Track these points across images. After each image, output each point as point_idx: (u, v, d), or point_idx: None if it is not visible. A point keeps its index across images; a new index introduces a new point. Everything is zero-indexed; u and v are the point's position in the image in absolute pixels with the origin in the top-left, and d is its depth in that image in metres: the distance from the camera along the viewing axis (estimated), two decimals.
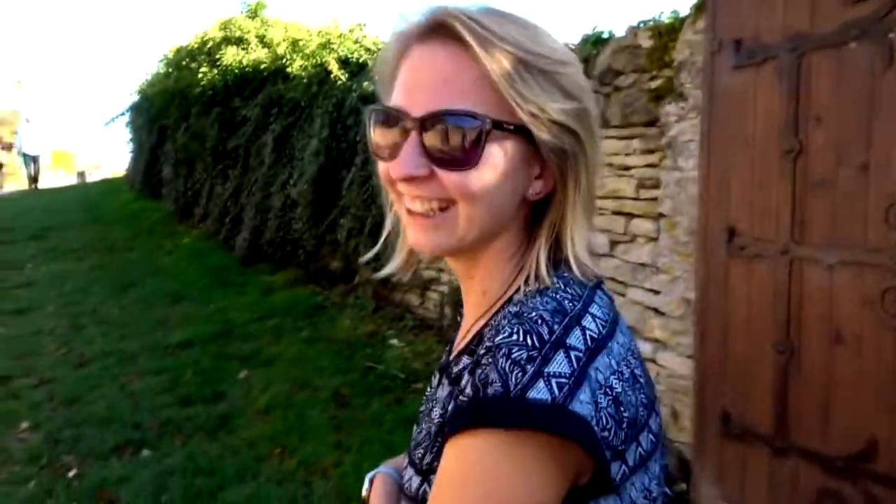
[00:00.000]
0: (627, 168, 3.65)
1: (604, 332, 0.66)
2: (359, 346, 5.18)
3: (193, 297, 6.66)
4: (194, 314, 6.07)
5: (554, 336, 0.62)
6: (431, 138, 0.66)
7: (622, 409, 0.63)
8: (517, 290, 0.71)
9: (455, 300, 5.43)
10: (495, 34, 0.65)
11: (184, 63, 8.54)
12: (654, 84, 3.45)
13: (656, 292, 3.51)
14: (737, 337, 2.77)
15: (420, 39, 0.69)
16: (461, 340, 0.79)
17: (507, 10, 0.70)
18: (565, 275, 0.71)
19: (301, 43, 6.70)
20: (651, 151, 3.52)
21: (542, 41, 0.68)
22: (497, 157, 0.67)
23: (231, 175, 8.21)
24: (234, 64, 7.63)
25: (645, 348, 3.59)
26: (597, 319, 0.67)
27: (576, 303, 0.67)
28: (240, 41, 7.85)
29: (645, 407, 0.68)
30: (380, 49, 6.32)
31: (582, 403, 0.59)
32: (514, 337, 0.62)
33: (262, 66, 7.25)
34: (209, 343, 5.26)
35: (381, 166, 0.73)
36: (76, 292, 6.93)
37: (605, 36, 3.85)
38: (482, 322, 0.74)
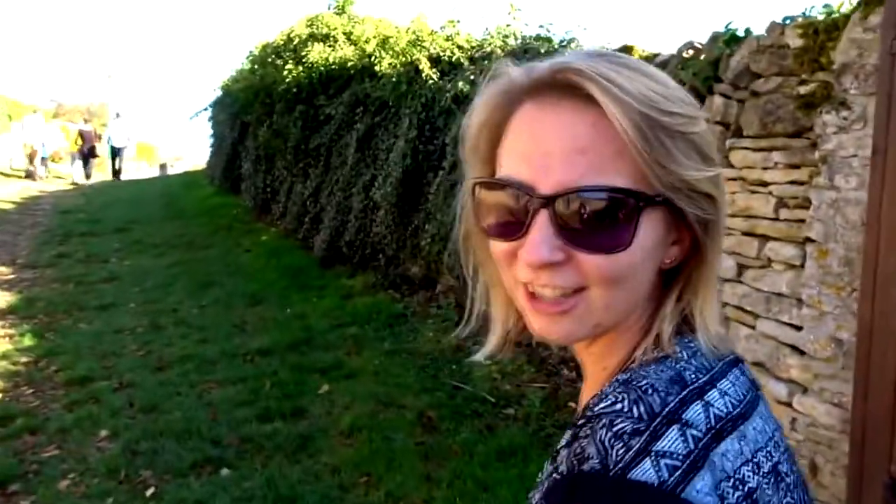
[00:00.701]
0: (765, 184, 3.21)
1: (734, 411, 0.56)
2: (443, 361, 4.88)
3: (272, 299, 6.51)
4: (273, 318, 5.91)
5: (667, 408, 0.53)
6: (569, 218, 0.57)
7: None
8: (633, 360, 0.61)
9: None
10: (628, 92, 0.55)
11: (269, 60, 8.46)
12: (803, 89, 3.00)
13: (796, 327, 3.06)
14: None
15: (534, 97, 0.60)
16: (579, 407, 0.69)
17: (625, 56, 0.60)
18: (691, 344, 0.61)
19: (391, 40, 6.45)
20: (796, 166, 3.07)
21: (673, 95, 0.59)
22: (645, 236, 0.58)
23: (312, 174, 8.07)
24: (319, 61, 7.46)
25: (777, 390, 3.16)
26: (727, 396, 0.58)
27: (700, 374, 0.58)
28: (326, 38, 7.68)
29: None
30: (473, 47, 6.04)
31: (700, 493, 0.50)
32: (619, 406, 0.54)
33: (350, 64, 7.04)
34: (288, 352, 5.06)
35: (498, 245, 0.62)
36: (157, 289, 6.89)
37: (741, 34, 3.41)
38: (592, 390, 0.64)
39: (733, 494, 0.52)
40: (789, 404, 3.12)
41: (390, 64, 6.11)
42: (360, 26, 7.35)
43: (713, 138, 0.63)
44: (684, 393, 0.55)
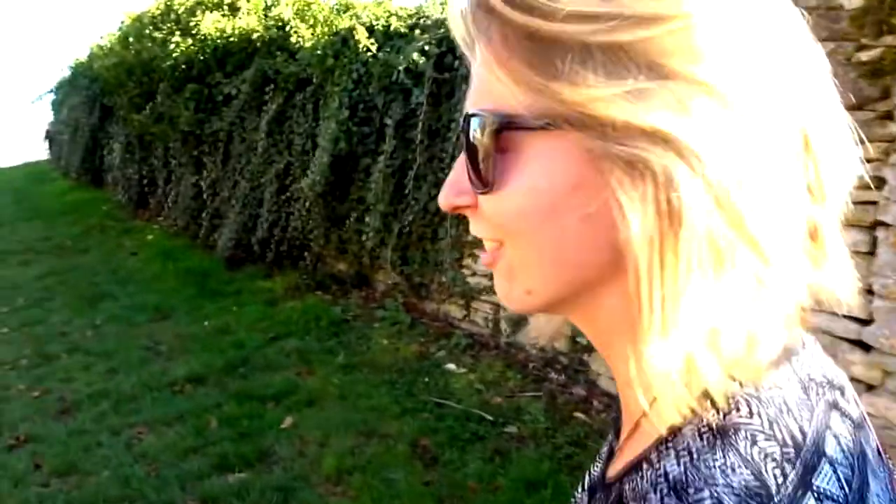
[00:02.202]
0: None
1: (849, 490, 0.39)
2: (411, 373, 4.28)
3: (180, 311, 5.58)
4: (190, 335, 5.01)
5: None
6: (471, 155, 0.46)
7: None
8: (687, 423, 0.42)
9: (515, 314, 4.60)
10: (521, 3, 0.42)
11: (146, 32, 7.29)
12: (865, 56, 2.70)
13: (861, 321, 2.78)
14: None
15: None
16: (619, 457, 0.51)
17: None
18: (778, 388, 0.43)
19: (314, 7, 5.63)
20: (859, 142, 2.76)
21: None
22: (535, 174, 0.44)
23: (208, 162, 7.08)
24: (213, 33, 6.48)
25: None
26: (837, 470, 0.40)
27: (788, 471, 0.39)
28: (219, 6, 6.69)
29: None
30: (410, 15, 5.39)
31: None
32: None
33: (256, 36, 6.13)
34: (225, 377, 4.25)
35: None
36: (32, 307, 5.72)
37: None
38: (638, 446, 0.46)
39: None
40: None
41: (313, 34, 5.32)
42: None
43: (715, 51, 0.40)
44: None
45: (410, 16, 5.08)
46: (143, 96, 7.64)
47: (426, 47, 4.37)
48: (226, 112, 6.60)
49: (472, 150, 0.45)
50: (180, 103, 6.87)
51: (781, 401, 0.42)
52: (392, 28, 4.99)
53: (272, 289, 6.05)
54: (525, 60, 0.43)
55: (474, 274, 4.95)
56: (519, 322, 4.61)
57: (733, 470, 0.39)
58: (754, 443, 0.40)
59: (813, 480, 0.39)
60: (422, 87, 4.56)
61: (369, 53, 4.85)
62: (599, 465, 0.58)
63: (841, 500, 0.39)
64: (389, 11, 5.17)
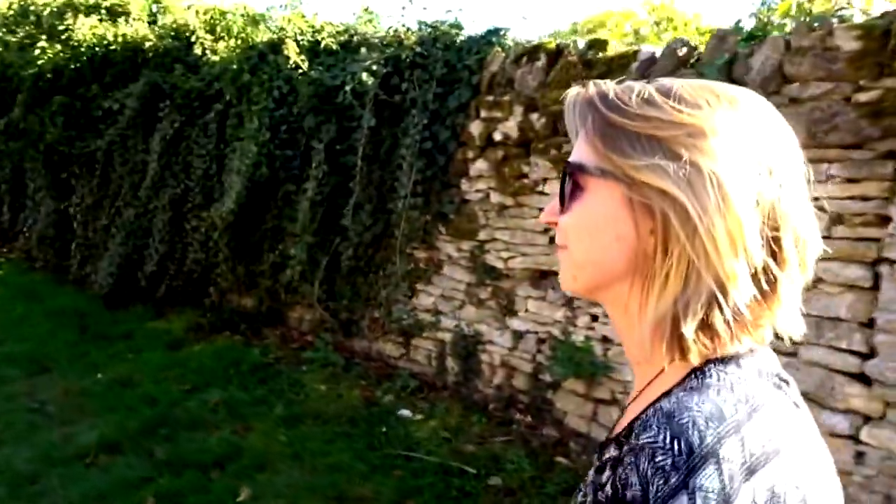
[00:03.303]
0: (815, 199, 2.93)
1: (769, 446, 0.61)
2: (364, 423, 3.89)
3: (62, 360, 4.74)
4: (84, 391, 4.25)
5: (704, 444, 0.59)
6: (562, 187, 0.76)
7: None
8: (679, 382, 0.69)
9: (464, 351, 4.36)
10: (603, 99, 0.71)
11: None
12: (864, 97, 2.77)
13: (861, 355, 2.84)
14: None
15: None
16: (619, 421, 0.78)
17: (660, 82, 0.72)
18: (738, 368, 0.68)
19: (228, 17, 5.05)
20: (855, 181, 2.83)
21: (643, 104, 0.69)
22: (590, 205, 0.72)
23: (80, 186, 6.18)
24: (89, 39, 5.68)
25: (832, 422, 2.93)
26: (763, 430, 0.62)
27: (740, 407, 0.63)
28: (95, 9, 5.88)
29: None
30: (340, 32, 5.01)
31: None
32: (660, 438, 0.60)
33: (148, 45, 5.42)
34: (145, 440, 3.61)
35: None
36: None
37: (758, 32, 3.10)
38: (638, 406, 0.72)
39: None
40: (853, 437, 2.89)
41: (227, 47, 4.78)
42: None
43: (713, 147, 0.66)
44: (721, 428, 0.60)
45: (340, 32, 4.72)
46: None
47: (374, 67, 4.05)
48: (105, 129, 5.80)
49: (562, 185, 0.74)
50: (44, 117, 5.94)
51: (739, 375, 0.67)
52: (322, 45, 4.59)
53: (170, 330, 5.35)
54: (600, 137, 0.70)
55: (414, 309, 4.65)
56: (467, 358, 4.36)
57: (703, 404, 0.62)
58: (718, 393, 0.64)
59: (753, 416, 0.62)
60: (362, 110, 4.22)
61: (299, 71, 4.42)
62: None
63: (716, 490, 0.57)
64: (314, 27, 4.77)
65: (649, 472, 0.59)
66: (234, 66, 4.69)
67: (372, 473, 3.35)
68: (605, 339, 3.67)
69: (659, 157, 0.65)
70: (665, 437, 0.60)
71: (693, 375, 0.67)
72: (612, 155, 0.68)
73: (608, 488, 0.63)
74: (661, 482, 0.58)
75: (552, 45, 3.65)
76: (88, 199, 6.05)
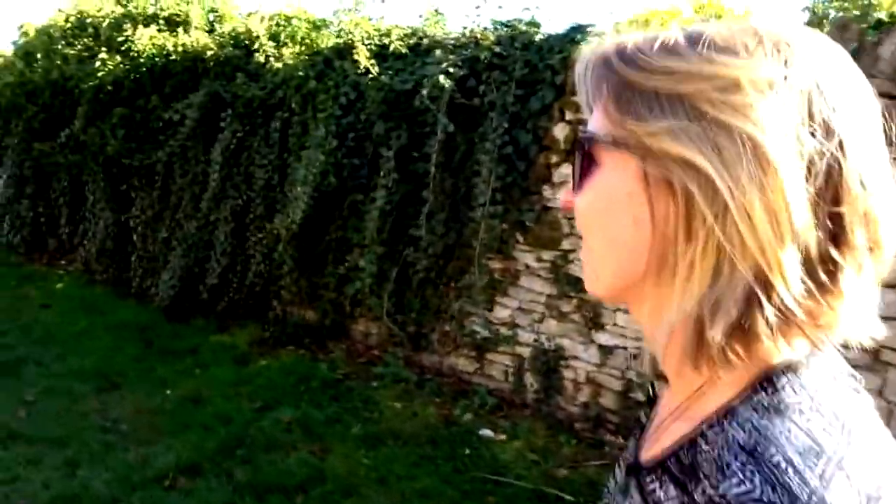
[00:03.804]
0: None
1: (883, 478, 0.49)
2: (445, 444, 3.71)
3: (130, 376, 4.65)
4: (156, 409, 4.14)
5: (809, 494, 0.46)
6: (573, 164, 0.65)
7: None
8: (739, 396, 0.54)
9: (544, 367, 4.15)
10: (616, 50, 0.59)
11: (57, 48, 6.26)
12: None
13: None
14: None
15: None
16: (654, 435, 0.64)
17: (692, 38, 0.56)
18: (813, 376, 0.54)
19: (294, 23, 4.92)
20: None
21: (664, 53, 0.56)
22: (605, 181, 0.60)
23: (140, 198, 6.12)
24: (150, 50, 5.62)
25: None
26: (871, 454, 0.50)
27: (833, 434, 0.50)
28: (153, 19, 5.83)
29: None
30: (407, 35, 4.86)
31: None
32: (753, 490, 0.47)
33: (209, 54, 5.34)
34: (224, 462, 3.48)
35: None
36: None
37: (889, 20, 2.85)
38: (684, 426, 0.58)
39: None
40: None
41: (292, 53, 4.65)
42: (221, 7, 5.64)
43: (747, 101, 0.52)
44: (822, 466, 0.48)
45: (408, 35, 4.56)
46: (49, 121, 6.55)
47: (450, 69, 3.87)
48: (165, 141, 5.73)
49: (574, 160, 0.63)
50: (105, 129, 5.90)
51: (817, 388, 0.54)
52: (391, 48, 4.44)
53: (234, 344, 5.23)
54: (615, 102, 0.58)
55: (489, 322, 4.46)
56: (548, 374, 4.15)
57: (790, 433, 0.50)
58: (801, 414, 0.51)
59: (852, 442, 0.50)
60: (437, 114, 4.04)
61: (369, 76, 4.27)
62: (628, 458, 0.68)
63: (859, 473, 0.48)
64: (380, 30, 4.61)
65: None
66: (300, 73, 4.56)
67: (463, 500, 3.17)
68: None
69: (680, 119, 0.53)
70: (757, 486, 0.47)
71: (760, 388, 0.54)
72: (627, 119, 0.56)
73: None
74: None
75: None
76: (149, 212, 5.99)
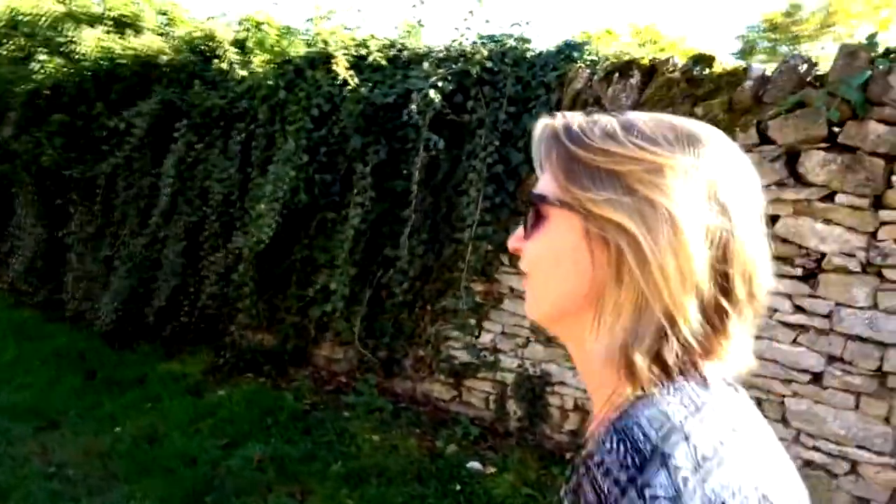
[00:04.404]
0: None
1: (720, 445, 0.61)
2: (434, 479, 3.47)
3: (73, 412, 4.20)
4: (107, 450, 3.73)
5: (650, 442, 0.60)
6: (525, 216, 0.79)
7: None
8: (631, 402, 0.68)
9: (529, 394, 3.98)
10: (568, 134, 0.73)
11: None
12: None
13: None
14: None
15: None
16: (587, 440, 0.77)
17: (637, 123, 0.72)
18: (685, 382, 0.68)
19: (263, 28, 4.59)
20: None
21: (605, 138, 0.70)
22: (553, 234, 0.73)
23: (78, 213, 5.63)
24: (95, 52, 5.19)
25: None
26: (716, 427, 0.63)
27: (682, 408, 0.64)
28: (98, 20, 5.40)
29: None
30: (386, 46, 4.63)
31: None
32: (613, 452, 0.61)
33: (166, 58, 4.95)
34: None
35: None
36: None
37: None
38: (595, 427, 0.73)
39: None
40: None
41: (262, 62, 4.34)
42: (173, 10, 5.24)
43: (672, 185, 0.67)
44: (664, 427, 0.61)
45: (386, 46, 4.34)
46: None
47: (439, 83, 3.67)
48: (108, 152, 5.30)
49: (526, 214, 0.77)
50: (41, 137, 5.41)
51: (683, 385, 0.67)
52: (370, 59, 4.20)
53: (186, 373, 4.83)
54: (562, 171, 0.72)
55: (469, 347, 4.25)
56: (533, 401, 3.98)
57: (646, 409, 0.64)
58: (662, 398, 0.65)
59: (697, 414, 0.64)
60: (418, 130, 3.83)
61: (347, 87, 4.02)
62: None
63: (670, 497, 0.57)
64: (356, 40, 4.37)
65: (600, 478, 0.60)
66: (270, 83, 4.26)
67: None
68: None
69: (616, 192, 0.68)
70: (611, 443, 0.62)
71: (642, 393, 0.69)
72: (573, 187, 0.70)
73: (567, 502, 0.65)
74: (611, 485, 0.59)
75: (646, 61, 3.33)
76: (88, 228, 5.51)
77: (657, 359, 0.66)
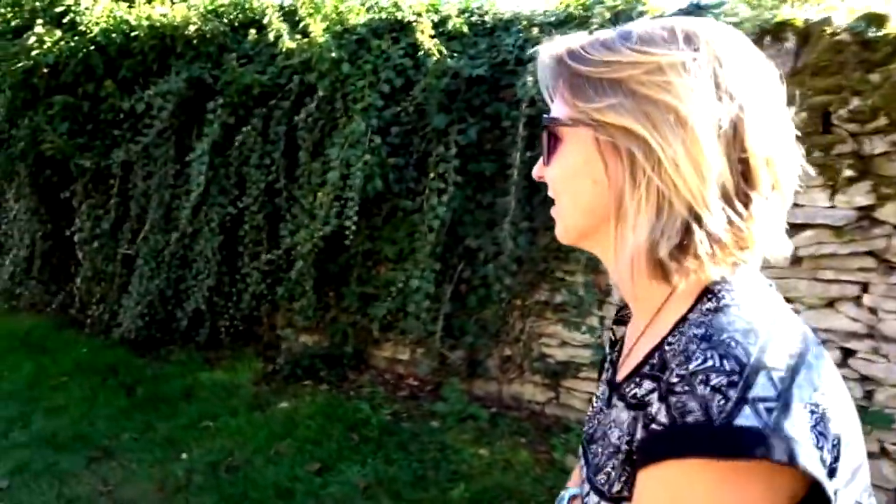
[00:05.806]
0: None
1: (800, 346, 0.65)
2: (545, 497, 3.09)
3: (126, 438, 3.67)
4: (180, 483, 3.23)
5: (752, 358, 0.61)
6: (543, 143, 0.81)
7: (830, 424, 0.62)
8: (688, 309, 0.71)
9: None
10: (568, 51, 0.75)
11: None
12: None
13: None
14: None
15: None
16: (628, 356, 0.80)
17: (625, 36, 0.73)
18: (742, 284, 0.70)
19: None
20: None
21: (604, 49, 0.72)
22: (569, 154, 0.76)
23: (86, 207, 4.98)
24: (108, 25, 4.54)
25: None
26: (789, 332, 0.66)
27: (765, 318, 0.66)
28: None
29: (848, 417, 0.66)
30: (463, 10, 4.13)
31: (793, 426, 0.59)
32: (711, 363, 0.62)
33: (192, 29, 4.33)
34: None
35: None
36: None
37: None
38: (650, 341, 0.74)
39: (812, 417, 0.60)
40: None
41: (320, 32, 3.79)
42: None
43: (667, 80, 0.68)
44: (761, 340, 0.63)
45: (465, 10, 3.85)
46: None
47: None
48: (120, 137, 4.68)
49: (542, 140, 0.79)
50: (40, 122, 4.74)
51: (747, 291, 0.70)
52: (449, 25, 3.72)
53: (235, 383, 4.33)
54: (569, 89, 0.74)
55: (563, 344, 3.89)
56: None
57: (735, 322, 0.65)
58: (740, 310, 0.67)
59: (777, 325, 0.66)
60: (516, 107, 3.40)
61: (433, 59, 3.53)
62: (608, 376, 0.86)
63: (774, 398, 0.60)
64: (435, 6, 3.88)
65: (708, 395, 0.60)
66: (333, 54, 3.72)
67: None
68: (866, 379, 3.05)
69: (618, 97, 0.69)
70: (714, 360, 0.61)
71: (705, 300, 0.70)
72: (579, 103, 0.72)
73: (662, 418, 0.62)
74: (721, 401, 0.59)
75: (799, 22, 2.97)
76: (104, 224, 4.87)
77: (686, 253, 0.67)
